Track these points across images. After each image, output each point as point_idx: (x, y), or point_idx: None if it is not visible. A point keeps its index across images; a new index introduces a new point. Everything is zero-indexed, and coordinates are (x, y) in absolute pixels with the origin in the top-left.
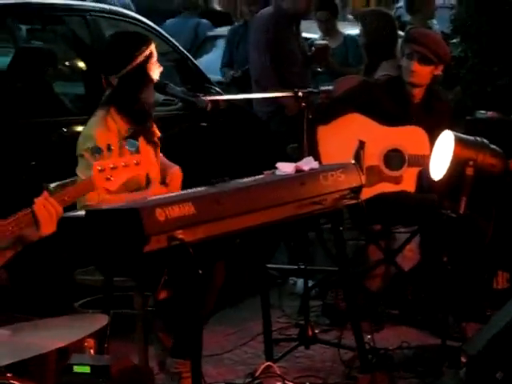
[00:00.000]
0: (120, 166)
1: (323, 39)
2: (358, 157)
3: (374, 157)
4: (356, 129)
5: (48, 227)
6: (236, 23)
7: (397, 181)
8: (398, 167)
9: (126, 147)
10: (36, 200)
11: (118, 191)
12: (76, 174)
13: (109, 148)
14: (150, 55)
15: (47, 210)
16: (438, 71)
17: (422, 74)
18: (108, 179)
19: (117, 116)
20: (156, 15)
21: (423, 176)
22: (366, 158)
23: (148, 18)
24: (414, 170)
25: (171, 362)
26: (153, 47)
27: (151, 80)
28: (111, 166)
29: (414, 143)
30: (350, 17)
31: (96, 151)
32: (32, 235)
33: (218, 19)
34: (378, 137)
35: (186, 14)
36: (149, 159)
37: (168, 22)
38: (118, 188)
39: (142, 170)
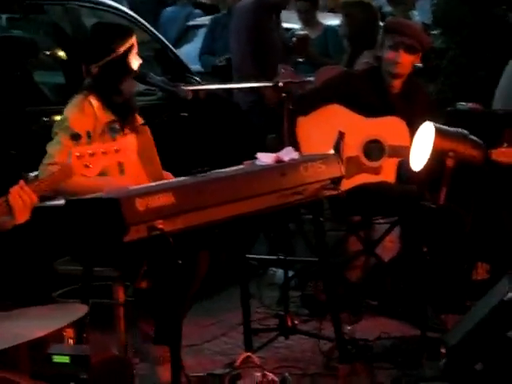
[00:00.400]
0: (99, 153)
1: (303, 30)
2: (337, 148)
3: (353, 148)
4: (336, 120)
5: (22, 216)
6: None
7: (376, 171)
8: (377, 158)
9: (107, 134)
10: (11, 189)
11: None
12: None
13: (88, 135)
14: (132, 47)
15: (22, 199)
16: (418, 60)
17: (406, 63)
18: (87, 166)
19: (96, 102)
20: (160, 3)
21: (402, 167)
22: (345, 149)
23: (152, 6)
24: (394, 161)
25: (152, 347)
26: (134, 39)
27: (131, 71)
28: (90, 152)
29: (394, 134)
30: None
31: (74, 137)
32: (6, 223)
33: (206, 11)
34: (358, 128)
35: (181, 2)
36: (131, 146)
37: (166, 9)
38: (95, 175)
39: (122, 158)
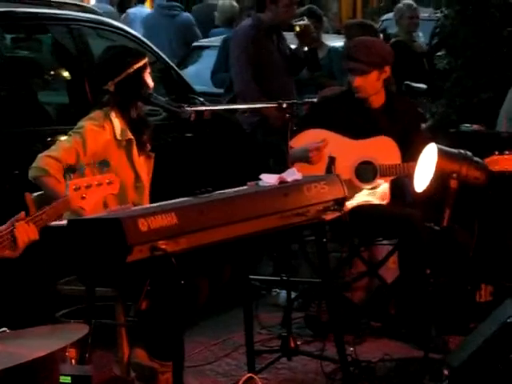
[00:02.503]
0: (94, 185)
1: (302, 19)
2: (329, 173)
3: (345, 171)
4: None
5: (21, 251)
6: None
7: (374, 192)
8: (370, 179)
9: (97, 166)
10: (17, 224)
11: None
12: None
13: (81, 168)
14: (145, 65)
15: (27, 235)
16: (386, 74)
17: (366, 85)
18: (83, 198)
19: (117, 120)
20: (212, 25)
21: (407, 189)
22: (338, 173)
23: (205, 27)
24: (387, 180)
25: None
26: (147, 59)
27: (148, 86)
28: (85, 184)
29: (384, 153)
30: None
31: (70, 171)
32: (5, 255)
33: None
34: (348, 151)
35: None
36: (143, 170)
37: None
38: (92, 207)
39: (114, 190)
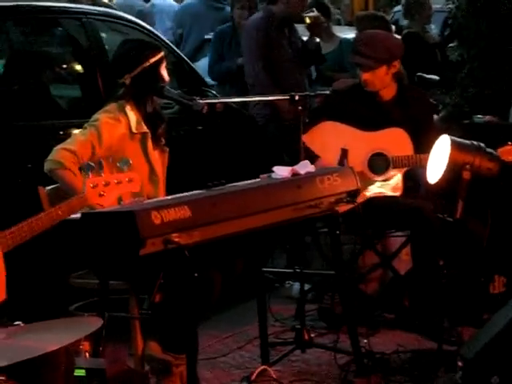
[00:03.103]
0: (112, 183)
1: (311, 11)
2: (341, 165)
3: (358, 163)
4: (337, 137)
5: None
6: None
7: (387, 184)
8: (383, 171)
9: (118, 165)
10: None
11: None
12: None
13: (100, 165)
14: (162, 59)
15: None
16: (395, 68)
17: (374, 80)
18: (101, 195)
19: (132, 113)
20: None
21: (420, 181)
22: (351, 165)
23: None
24: (400, 172)
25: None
26: (163, 53)
27: (163, 79)
28: (103, 182)
29: (397, 145)
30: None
31: (88, 168)
32: None
33: None
34: (360, 143)
35: None
36: (158, 163)
37: None
38: (110, 204)
39: (135, 188)
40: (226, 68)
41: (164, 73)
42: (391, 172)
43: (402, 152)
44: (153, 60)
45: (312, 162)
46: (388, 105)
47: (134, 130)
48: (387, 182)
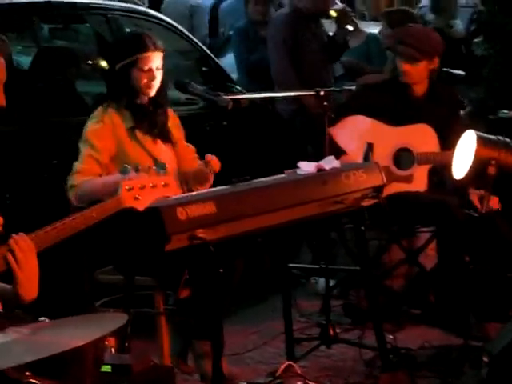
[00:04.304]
0: (148, 186)
1: (335, 3)
2: (366, 159)
3: (383, 158)
4: (363, 131)
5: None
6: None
7: (407, 180)
8: (407, 166)
9: (154, 169)
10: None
11: None
12: None
13: (136, 168)
14: (135, 63)
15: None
16: (434, 64)
17: (414, 72)
18: (136, 198)
19: (113, 110)
20: None
21: (446, 176)
22: (376, 159)
23: None
24: (425, 168)
25: (197, 344)
26: (145, 56)
27: (137, 81)
28: (139, 185)
29: (423, 141)
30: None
31: (124, 171)
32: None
33: None
34: (387, 137)
35: None
36: (164, 155)
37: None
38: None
39: (170, 192)
40: (255, 61)
41: (137, 75)
42: (416, 168)
43: (427, 148)
44: (127, 61)
45: (338, 157)
46: (419, 101)
47: (122, 127)
48: (412, 178)
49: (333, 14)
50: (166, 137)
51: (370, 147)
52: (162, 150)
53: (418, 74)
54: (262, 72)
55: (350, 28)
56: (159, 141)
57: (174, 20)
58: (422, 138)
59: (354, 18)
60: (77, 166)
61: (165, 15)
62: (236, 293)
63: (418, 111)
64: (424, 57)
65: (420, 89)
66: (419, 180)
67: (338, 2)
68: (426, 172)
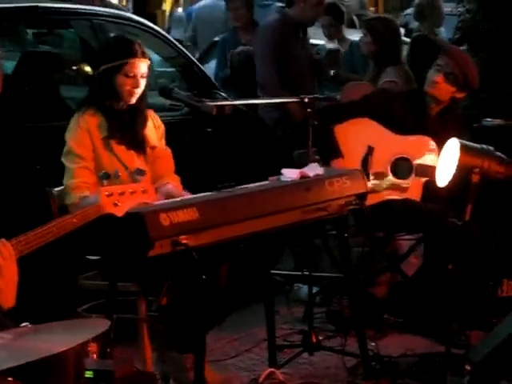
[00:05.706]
0: (127, 192)
1: (333, 42)
2: (365, 162)
3: (381, 163)
4: (367, 134)
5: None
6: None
7: (402, 189)
8: (404, 176)
9: (133, 175)
10: None
11: None
12: None
13: (116, 174)
14: (121, 67)
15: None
16: (461, 95)
17: (443, 88)
18: (115, 204)
19: (90, 118)
20: None
21: (427, 184)
22: (374, 164)
23: None
24: (421, 180)
25: (176, 356)
26: (132, 62)
27: (119, 87)
28: (119, 191)
29: (423, 153)
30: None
31: (104, 177)
32: None
33: None
34: (388, 144)
35: None
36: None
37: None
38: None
39: (149, 199)
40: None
41: (121, 80)
42: (412, 179)
43: (426, 161)
44: (113, 64)
45: (334, 157)
46: (432, 119)
47: (98, 135)
48: (405, 187)
49: (324, 53)
50: (139, 147)
51: (370, 150)
52: (135, 161)
53: (445, 92)
54: (232, 86)
55: (332, 72)
56: (133, 151)
57: (209, 24)
58: (423, 150)
59: (339, 32)
60: (69, 183)
61: (198, 19)
62: (224, 299)
63: (425, 128)
64: (460, 80)
65: (436, 109)
66: (414, 190)
67: (332, 45)
68: (421, 184)
